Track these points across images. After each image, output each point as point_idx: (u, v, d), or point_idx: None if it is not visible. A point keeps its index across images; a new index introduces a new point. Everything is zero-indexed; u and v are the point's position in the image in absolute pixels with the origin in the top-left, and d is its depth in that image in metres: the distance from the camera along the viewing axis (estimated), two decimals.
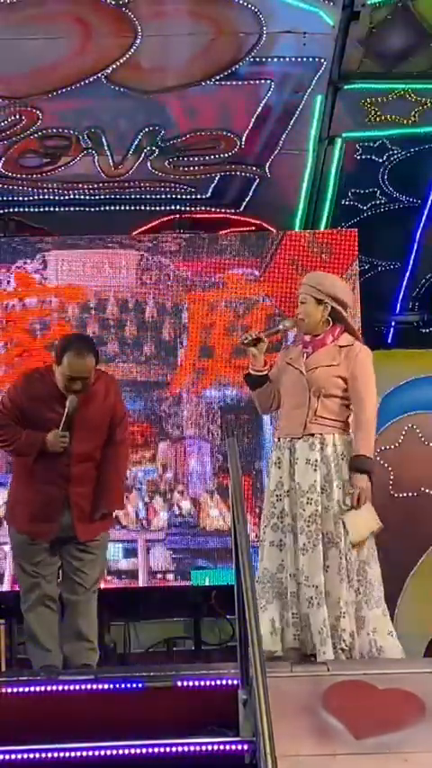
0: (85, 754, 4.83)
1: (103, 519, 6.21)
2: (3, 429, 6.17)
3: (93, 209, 9.50)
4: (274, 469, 6.08)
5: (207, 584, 8.94)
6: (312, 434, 5.99)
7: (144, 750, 4.83)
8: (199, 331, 9.31)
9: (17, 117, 8.68)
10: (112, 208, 9.51)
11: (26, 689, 5.13)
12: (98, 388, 6.19)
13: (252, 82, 8.48)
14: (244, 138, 8.93)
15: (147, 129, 8.84)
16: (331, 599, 5.84)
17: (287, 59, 8.30)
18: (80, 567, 6.12)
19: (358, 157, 9.19)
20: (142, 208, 9.54)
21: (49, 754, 4.82)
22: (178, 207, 9.57)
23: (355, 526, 5.91)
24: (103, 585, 6.49)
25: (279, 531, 5.97)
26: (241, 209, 9.58)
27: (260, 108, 8.68)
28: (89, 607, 6.14)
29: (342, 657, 5.76)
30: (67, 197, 9.41)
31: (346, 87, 8.61)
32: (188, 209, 9.59)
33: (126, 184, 9.34)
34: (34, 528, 6.12)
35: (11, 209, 9.50)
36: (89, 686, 5.16)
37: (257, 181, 9.35)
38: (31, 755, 4.82)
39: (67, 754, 4.82)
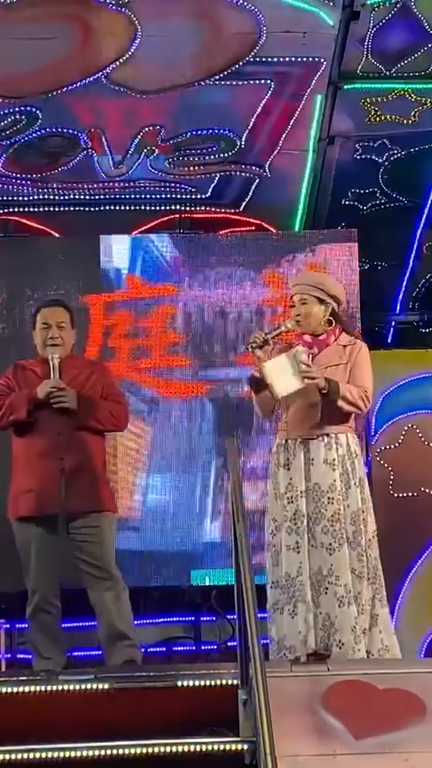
0: (85, 754, 4.83)
1: (95, 491, 6.18)
2: None
3: (93, 209, 9.51)
4: (282, 471, 6.05)
5: (207, 584, 8.94)
6: (327, 434, 6.01)
7: (144, 750, 4.83)
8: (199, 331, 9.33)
9: (17, 117, 8.68)
10: (112, 208, 9.51)
11: (26, 689, 5.13)
12: (83, 366, 6.43)
13: (252, 82, 8.48)
14: (244, 138, 8.93)
15: (147, 129, 8.84)
16: (356, 597, 5.87)
17: (287, 59, 8.30)
18: (89, 560, 6.11)
19: (358, 157, 9.19)
20: (142, 208, 9.53)
21: (49, 754, 4.82)
22: (178, 207, 9.57)
23: (284, 377, 5.92)
24: None
25: (294, 534, 5.95)
26: (241, 209, 9.58)
27: (260, 108, 8.68)
28: (120, 604, 6.13)
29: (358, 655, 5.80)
30: (67, 197, 9.41)
31: (346, 87, 8.60)
32: (188, 209, 9.59)
33: (126, 184, 9.34)
34: (40, 503, 6.10)
35: (11, 209, 9.50)
36: (89, 686, 5.16)
37: (257, 181, 9.35)
38: (31, 755, 4.82)
39: (67, 754, 4.82)
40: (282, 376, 5.95)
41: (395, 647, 5.95)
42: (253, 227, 9.57)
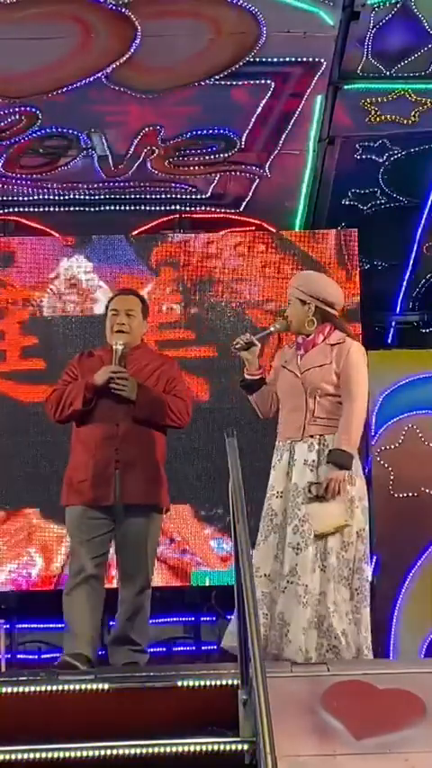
0: (85, 754, 4.83)
1: (148, 486, 6.07)
2: (59, 393, 6.21)
3: (93, 209, 9.51)
4: (272, 473, 6.07)
5: (207, 584, 8.95)
6: (312, 436, 5.99)
7: (144, 750, 4.82)
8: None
9: (17, 117, 8.68)
10: (112, 208, 9.51)
11: (26, 689, 5.13)
12: (152, 359, 6.32)
13: (252, 82, 8.48)
14: (244, 138, 8.94)
15: (147, 129, 8.84)
16: (321, 598, 5.84)
17: (287, 59, 8.30)
18: (125, 556, 6.04)
19: (358, 157, 9.19)
20: (142, 208, 9.54)
21: (49, 754, 4.82)
22: (178, 207, 9.57)
23: (320, 517, 5.87)
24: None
25: (259, 534, 5.97)
26: (241, 209, 9.58)
27: (260, 108, 8.68)
28: (139, 610, 6.03)
29: (331, 656, 5.76)
30: (67, 197, 9.42)
31: (346, 87, 8.60)
32: (188, 209, 9.59)
33: (126, 184, 9.34)
34: (93, 493, 6.02)
35: (11, 209, 9.50)
36: (89, 686, 5.16)
37: (257, 181, 9.35)
38: (31, 755, 4.82)
39: (67, 754, 4.82)
40: (322, 516, 5.95)
41: (370, 649, 5.96)
42: (253, 228, 9.58)
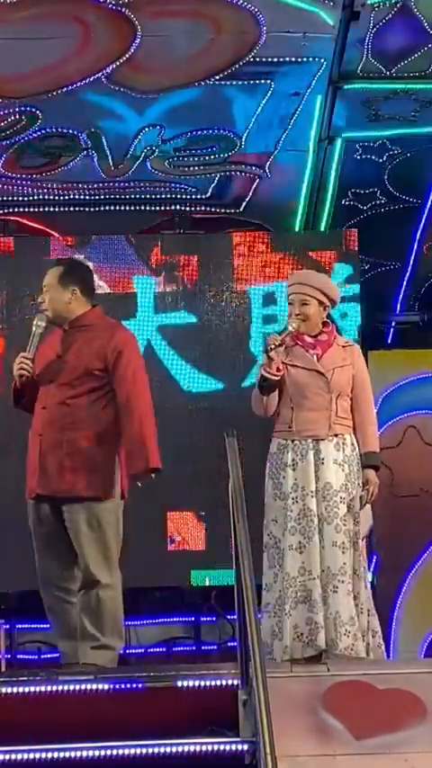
0: (85, 754, 4.84)
1: (72, 474, 5.64)
2: None
3: (93, 209, 9.50)
4: (288, 471, 6.04)
5: (207, 584, 8.94)
6: (336, 435, 6.05)
7: (144, 750, 4.83)
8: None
9: (17, 117, 8.68)
10: (112, 208, 9.51)
11: (26, 689, 5.13)
12: (97, 331, 5.88)
13: (252, 82, 8.48)
14: (244, 138, 8.94)
15: (147, 129, 8.84)
16: (357, 595, 5.91)
17: (287, 59, 8.30)
18: (75, 548, 5.76)
19: (358, 157, 9.19)
20: (142, 208, 9.54)
21: (49, 754, 4.82)
22: (178, 207, 9.57)
23: (365, 520, 6.04)
24: None
25: (298, 534, 5.95)
26: (241, 209, 9.58)
27: (260, 108, 8.68)
28: (93, 601, 5.73)
29: (372, 656, 5.84)
30: (67, 197, 9.41)
31: (346, 87, 8.60)
32: (188, 209, 9.59)
33: (126, 184, 9.34)
34: (29, 484, 5.76)
35: (11, 209, 9.50)
36: (89, 686, 5.16)
37: (257, 181, 9.35)
38: (31, 755, 4.82)
39: (67, 754, 4.83)
40: (366, 520, 6.11)
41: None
42: (253, 228, 9.57)
